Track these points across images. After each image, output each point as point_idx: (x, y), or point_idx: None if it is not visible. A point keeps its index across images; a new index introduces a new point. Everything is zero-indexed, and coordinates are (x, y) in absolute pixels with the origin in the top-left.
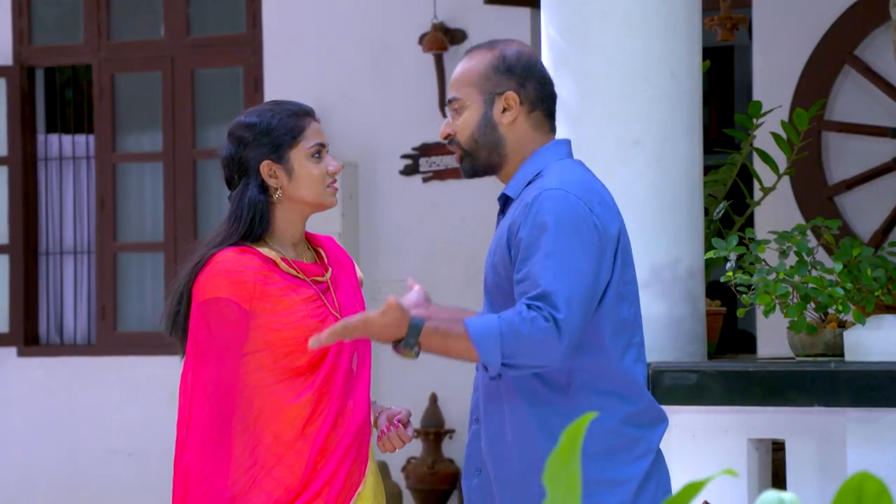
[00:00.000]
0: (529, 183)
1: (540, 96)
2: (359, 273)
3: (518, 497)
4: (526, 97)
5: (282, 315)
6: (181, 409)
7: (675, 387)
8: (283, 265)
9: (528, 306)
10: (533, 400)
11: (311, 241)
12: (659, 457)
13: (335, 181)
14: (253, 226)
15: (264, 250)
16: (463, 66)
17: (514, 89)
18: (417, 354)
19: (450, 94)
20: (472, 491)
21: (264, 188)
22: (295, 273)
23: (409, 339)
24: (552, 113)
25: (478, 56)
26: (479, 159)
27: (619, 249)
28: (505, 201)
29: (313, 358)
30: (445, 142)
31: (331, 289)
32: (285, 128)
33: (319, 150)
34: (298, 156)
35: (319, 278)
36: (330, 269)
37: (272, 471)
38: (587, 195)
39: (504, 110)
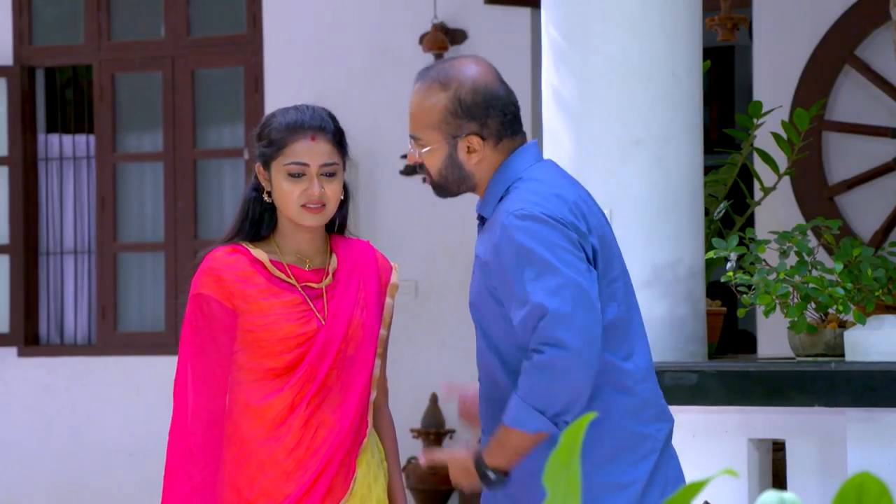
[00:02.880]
0: (501, 198)
1: (503, 123)
2: (393, 279)
3: (532, 498)
4: (490, 134)
5: (256, 316)
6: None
7: (676, 387)
8: (270, 267)
9: (529, 358)
10: None
11: (332, 245)
12: (665, 455)
13: (318, 204)
14: (245, 223)
15: (256, 251)
16: (418, 101)
17: (476, 131)
18: (505, 476)
19: (410, 129)
20: (490, 497)
21: (261, 187)
22: (285, 277)
23: (485, 475)
24: (517, 128)
25: (433, 94)
26: (449, 190)
27: (598, 249)
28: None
29: (289, 363)
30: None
31: (324, 296)
32: (271, 138)
33: (299, 171)
34: (277, 169)
35: (313, 284)
36: (329, 277)
37: (243, 469)
38: (553, 206)
39: (469, 151)
